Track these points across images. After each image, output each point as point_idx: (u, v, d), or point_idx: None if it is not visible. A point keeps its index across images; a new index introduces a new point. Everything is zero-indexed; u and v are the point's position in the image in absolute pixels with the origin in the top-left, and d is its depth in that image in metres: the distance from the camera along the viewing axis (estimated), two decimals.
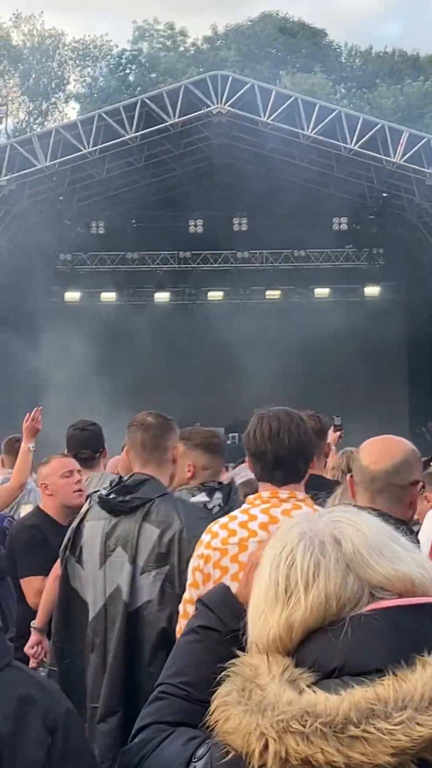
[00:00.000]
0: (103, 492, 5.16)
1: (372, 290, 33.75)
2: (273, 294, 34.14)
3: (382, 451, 3.98)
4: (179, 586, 4.70)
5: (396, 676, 1.79)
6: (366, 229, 32.84)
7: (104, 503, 5.11)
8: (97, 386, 26.93)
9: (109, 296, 34.19)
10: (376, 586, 1.95)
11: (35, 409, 8.32)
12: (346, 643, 1.88)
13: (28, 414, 8.29)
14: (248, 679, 1.89)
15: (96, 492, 5.35)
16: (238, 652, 1.99)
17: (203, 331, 31.99)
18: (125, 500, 5.02)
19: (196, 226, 32.07)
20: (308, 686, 1.84)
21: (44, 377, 29.87)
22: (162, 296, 34.46)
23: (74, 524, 5.31)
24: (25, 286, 30.74)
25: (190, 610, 4.17)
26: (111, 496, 5.08)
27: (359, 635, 1.88)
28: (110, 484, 5.22)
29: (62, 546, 5.32)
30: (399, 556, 2.00)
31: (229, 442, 27.65)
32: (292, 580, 1.98)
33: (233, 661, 1.96)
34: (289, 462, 4.23)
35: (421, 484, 3.97)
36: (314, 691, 1.81)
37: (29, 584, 6.67)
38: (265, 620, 2.00)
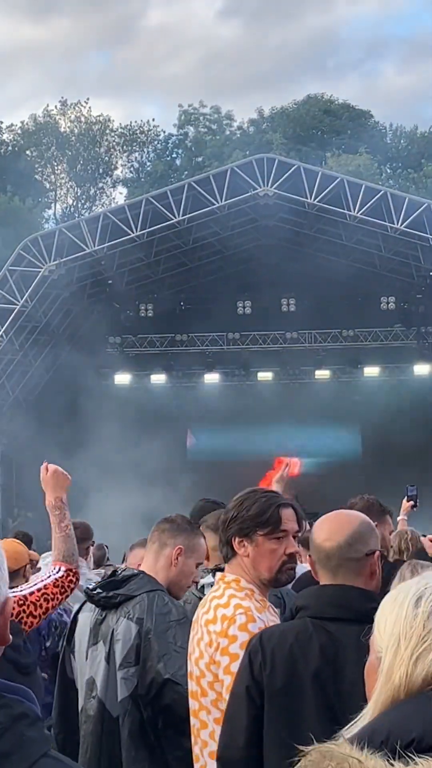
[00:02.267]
0: (90, 586, 5.21)
1: (421, 369, 33.58)
2: (322, 374, 34.04)
3: (332, 527, 3.91)
4: (145, 685, 4.77)
5: None
6: (414, 308, 32.79)
7: (90, 598, 5.14)
8: (147, 466, 26.87)
9: (158, 378, 34.26)
10: None
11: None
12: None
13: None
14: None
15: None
16: None
17: (253, 412, 31.91)
18: (108, 596, 5.04)
19: (244, 307, 32.18)
20: None
21: (93, 459, 29.85)
22: (212, 377, 34.49)
23: (73, 614, 5.35)
24: (75, 369, 30.89)
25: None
26: (96, 591, 5.11)
27: None
28: (102, 578, 5.32)
29: (66, 636, 5.35)
30: None
31: None
32: (421, 618, 2.17)
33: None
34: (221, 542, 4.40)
35: (377, 553, 3.88)
36: None
37: None
38: (397, 653, 2.18)
